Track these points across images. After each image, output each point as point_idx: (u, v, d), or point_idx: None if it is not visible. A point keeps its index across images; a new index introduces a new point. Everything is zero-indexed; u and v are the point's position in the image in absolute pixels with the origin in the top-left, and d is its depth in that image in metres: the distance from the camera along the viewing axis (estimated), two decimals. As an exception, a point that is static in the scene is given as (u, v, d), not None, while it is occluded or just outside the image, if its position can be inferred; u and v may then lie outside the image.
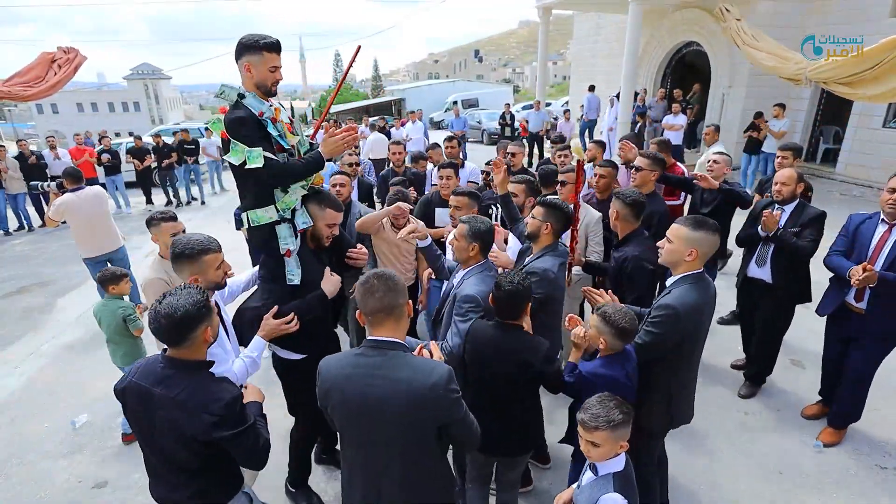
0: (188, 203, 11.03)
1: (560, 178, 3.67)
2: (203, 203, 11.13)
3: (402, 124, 13.79)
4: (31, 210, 9.57)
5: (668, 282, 2.26)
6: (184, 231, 2.99)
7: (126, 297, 3.53)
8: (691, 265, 2.15)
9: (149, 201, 10.88)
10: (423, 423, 1.59)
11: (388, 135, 12.30)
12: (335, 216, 2.46)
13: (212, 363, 1.78)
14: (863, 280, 2.69)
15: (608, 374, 2.07)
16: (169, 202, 10.86)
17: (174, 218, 3.03)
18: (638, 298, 2.71)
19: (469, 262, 2.52)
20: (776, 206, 3.39)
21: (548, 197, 2.82)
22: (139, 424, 1.73)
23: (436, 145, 6.03)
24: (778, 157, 4.29)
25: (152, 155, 10.57)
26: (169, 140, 11.37)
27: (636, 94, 11.35)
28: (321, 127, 3.30)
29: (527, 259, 2.72)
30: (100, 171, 10.16)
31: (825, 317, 3.21)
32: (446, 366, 1.62)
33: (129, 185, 10.74)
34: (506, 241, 3.16)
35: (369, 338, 1.65)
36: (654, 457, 2.47)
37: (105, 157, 9.94)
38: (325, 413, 1.73)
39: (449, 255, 2.98)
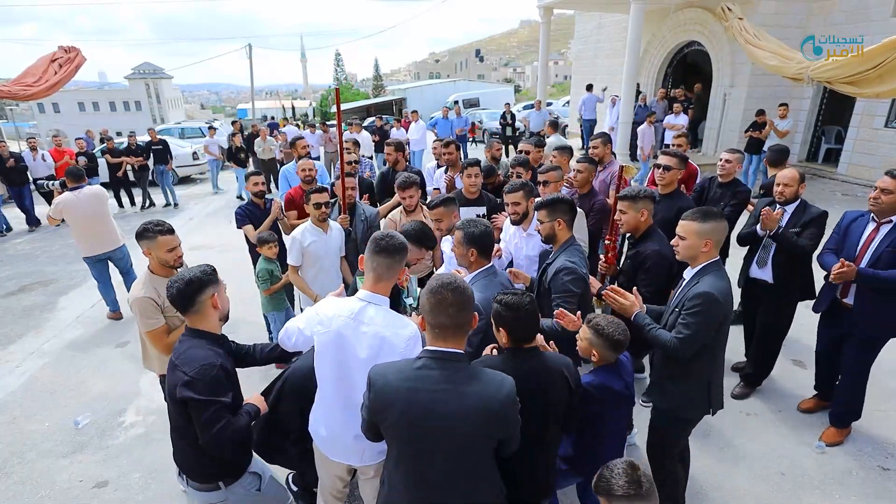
0: (167, 206, 10.65)
1: (541, 178, 3.64)
2: (176, 205, 10.68)
3: (405, 126, 13.66)
4: (19, 211, 9.38)
5: (688, 274, 2.28)
6: (179, 245, 2.70)
7: (275, 260, 3.96)
8: (709, 255, 2.21)
9: (121, 205, 10.49)
10: (490, 436, 1.55)
11: (387, 135, 12.30)
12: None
13: (223, 337, 1.99)
14: (837, 275, 2.77)
15: (609, 387, 2.04)
16: (144, 205, 10.58)
17: (171, 231, 2.67)
18: (655, 292, 2.73)
19: (472, 266, 2.49)
20: (777, 206, 3.39)
21: (540, 197, 2.82)
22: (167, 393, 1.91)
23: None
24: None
25: (127, 157, 10.22)
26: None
27: (638, 93, 11.31)
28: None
29: (552, 256, 2.68)
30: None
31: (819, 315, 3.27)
32: (510, 378, 1.56)
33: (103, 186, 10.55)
34: (499, 256, 3.12)
35: (432, 349, 1.56)
36: (683, 445, 2.50)
37: (81, 160, 9.57)
38: (370, 423, 1.62)
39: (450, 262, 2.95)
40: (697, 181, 4.49)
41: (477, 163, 3.90)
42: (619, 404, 2.09)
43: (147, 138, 11.01)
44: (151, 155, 10.64)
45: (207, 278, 1.90)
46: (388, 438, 1.61)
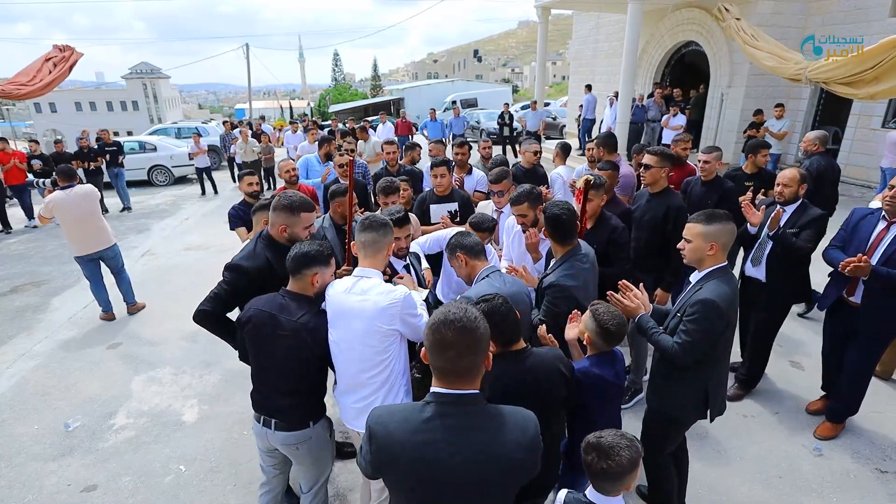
0: (123, 210, 10.27)
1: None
2: (129, 209, 10.31)
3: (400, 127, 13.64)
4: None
5: (694, 277, 2.23)
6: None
7: None
8: (715, 259, 2.16)
9: None
10: (516, 482, 1.37)
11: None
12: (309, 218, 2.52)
13: (321, 300, 2.13)
14: (853, 269, 2.71)
15: (598, 374, 2.03)
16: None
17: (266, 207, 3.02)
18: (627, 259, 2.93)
19: (472, 273, 2.41)
20: (777, 206, 3.35)
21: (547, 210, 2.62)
22: (257, 344, 2.09)
23: (416, 145, 6.20)
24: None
25: (78, 160, 9.81)
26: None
27: (652, 94, 11.23)
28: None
29: (550, 267, 2.58)
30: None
31: (824, 314, 3.24)
32: (532, 414, 1.40)
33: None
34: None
35: (439, 391, 1.33)
36: (674, 446, 2.45)
37: (36, 163, 9.30)
38: (365, 469, 1.46)
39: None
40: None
41: (444, 163, 3.95)
42: (610, 393, 2.07)
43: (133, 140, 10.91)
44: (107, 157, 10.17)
45: (318, 257, 2.06)
46: (392, 494, 1.45)
